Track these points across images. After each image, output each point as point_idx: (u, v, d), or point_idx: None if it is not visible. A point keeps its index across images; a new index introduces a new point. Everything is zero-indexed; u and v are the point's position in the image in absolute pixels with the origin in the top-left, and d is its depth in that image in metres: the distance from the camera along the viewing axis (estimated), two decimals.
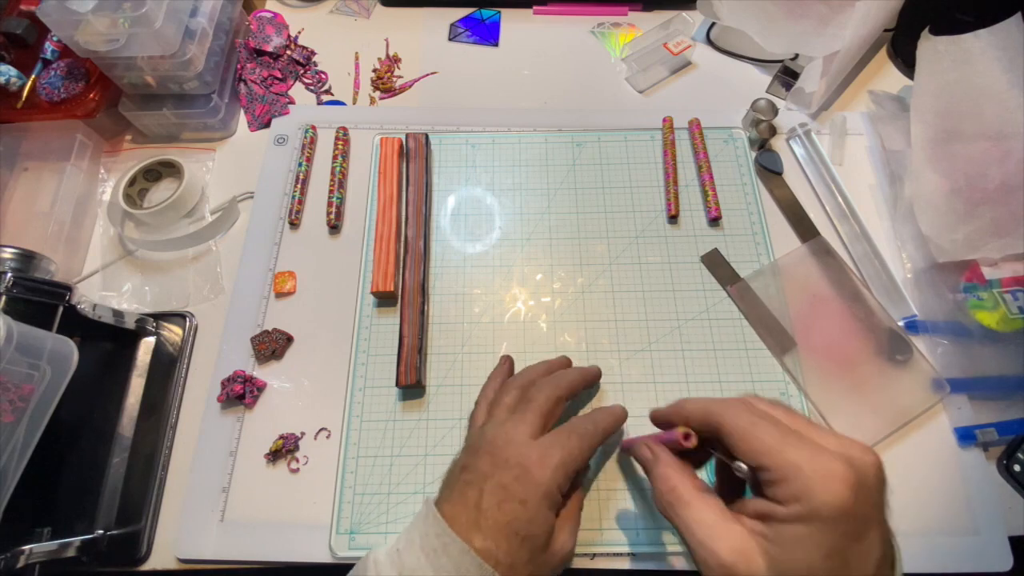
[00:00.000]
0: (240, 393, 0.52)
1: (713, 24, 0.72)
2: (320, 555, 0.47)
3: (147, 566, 0.48)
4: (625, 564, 0.47)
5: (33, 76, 0.62)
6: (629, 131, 0.65)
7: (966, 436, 0.50)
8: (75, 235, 0.60)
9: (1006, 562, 0.46)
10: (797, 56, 0.67)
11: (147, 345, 0.55)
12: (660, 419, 0.40)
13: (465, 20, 0.75)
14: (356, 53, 0.73)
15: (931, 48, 0.57)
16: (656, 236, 0.60)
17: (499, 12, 0.76)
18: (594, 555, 0.47)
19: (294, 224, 0.61)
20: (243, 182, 0.64)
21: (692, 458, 0.38)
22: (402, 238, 0.59)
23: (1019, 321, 0.52)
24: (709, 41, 0.73)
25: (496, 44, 0.74)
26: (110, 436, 0.52)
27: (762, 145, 0.64)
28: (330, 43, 0.73)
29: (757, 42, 0.65)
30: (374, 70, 0.71)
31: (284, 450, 0.51)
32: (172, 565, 0.48)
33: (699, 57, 0.72)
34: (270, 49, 0.70)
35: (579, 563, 0.47)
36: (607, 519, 0.48)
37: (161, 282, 0.59)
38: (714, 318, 0.56)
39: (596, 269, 0.58)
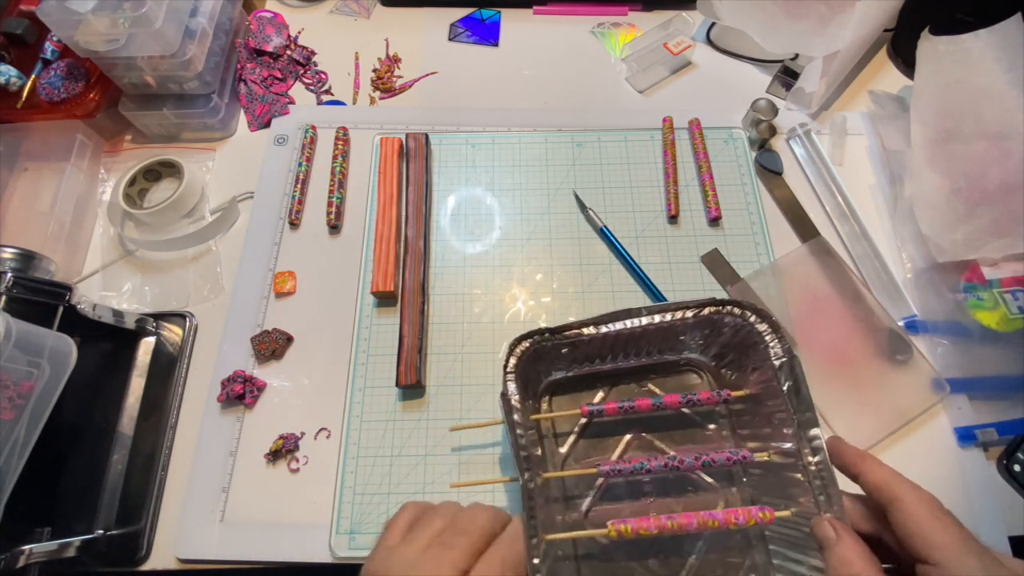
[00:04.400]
0: (240, 393, 0.52)
1: (713, 24, 0.72)
2: (320, 555, 0.47)
3: (147, 566, 0.48)
4: None
5: (33, 76, 0.62)
6: (629, 131, 0.65)
7: (966, 436, 0.50)
8: (75, 235, 0.60)
9: None
10: (797, 56, 0.67)
11: (147, 345, 0.55)
12: (836, 458, 0.38)
13: (465, 20, 0.75)
14: (356, 53, 0.73)
15: (931, 48, 0.57)
16: (656, 236, 0.60)
17: (499, 12, 0.76)
18: None
19: (294, 224, 0.61)
20: (243, 182, 0.64)
21: None
22: (402, 238, 0.59)
23: (1019, 321, 0.52)
24: (709, 41, 0.73)
25: (496, 44, 0.74)
26: (110, 436, 0.52)
27: (762, 145, 0.64)
28: (330, 43, 0.73)
29: (757, 42, 0.65)
30: (374, 70, 0.71)
31: (284, 450, 0.51)
32: (172, 565, 0.48)
33: (699, 57, 0.72)
34: (270, 49, 0.70)
35: None
36: None
37: (161, 282, 0.59)
38: None
39: (596, 269, 0.58)
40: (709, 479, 0.47)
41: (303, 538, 0.48)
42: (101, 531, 0.48)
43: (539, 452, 0.46)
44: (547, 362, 0.48)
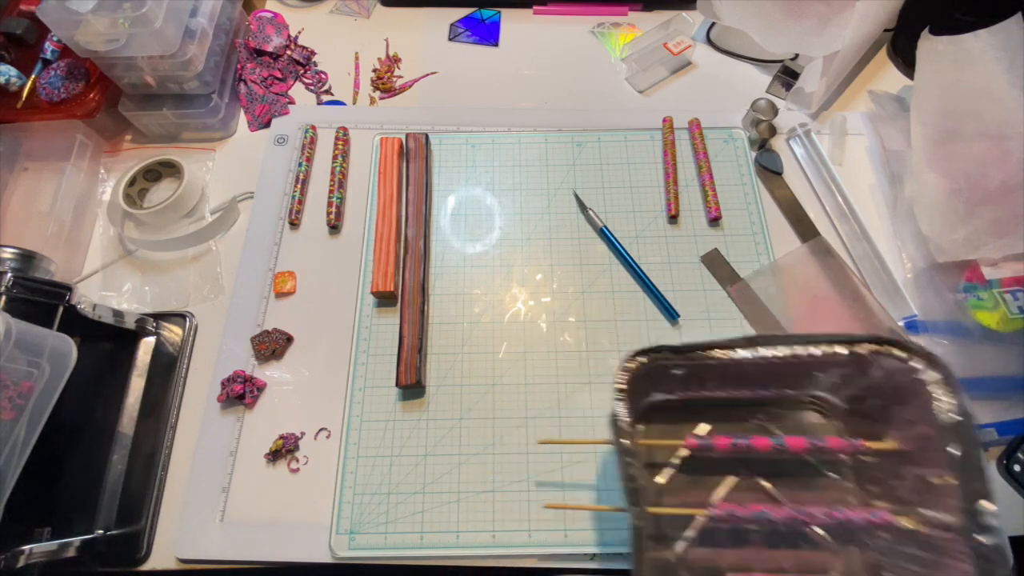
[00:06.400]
0: (240, 393, 0.52)
1: (713, 24, 0.72)
2: (320, 555, 0.47)
3: (147, 566, 0.48)
4: (626, 564, 0.47)
5: (33, 76, 0.62)
6: (629, 131, 0.65)
7: None
8: (75, 235, 0.60)
9: None
10: (797, 56, 0.67)
11: (147, 345, 0.55)
12: None
13: (465, 20, 0.75)
14: (356, 53, 0.73)
15: (931, 48, 0.57)
16: (656, 236, 0.60)
17: (499, 12, 0.76)
18: (593, 555, 0.47)
19: (294, 224, 0.61)
20: (243, 182, 0.64)
21: None
22: (402, 238, 0.59)
23: (1019, 321, 0.52)
24: (709, 41, 0.73)
25: (496, 44, 0.74)
26: (110, 436, 0.52)
27: (762, 145, 0.64)
28: (330, 43, 0.73)
29: (757, 42, 0.65)
30: (374, 70, 0.71)
31: (284, 450, 0.51)
32: (172, 565, 0.48)
33: (699, 57, 0.72)
34: (270, 49, 0.70)
35: (579, 563, 0.47)
36: (605, 518, 0.48)
37: (161, 282, 0.59)
38: (714, 318, 0.55)
39: (596, 269, 0.58)
40: (825, 534, 0.41)
41: (303, 538, 0.48)
42: (101, 531, 0.48)
43: (643, 483, 0.41)
44: (653, 382, 0.42)
